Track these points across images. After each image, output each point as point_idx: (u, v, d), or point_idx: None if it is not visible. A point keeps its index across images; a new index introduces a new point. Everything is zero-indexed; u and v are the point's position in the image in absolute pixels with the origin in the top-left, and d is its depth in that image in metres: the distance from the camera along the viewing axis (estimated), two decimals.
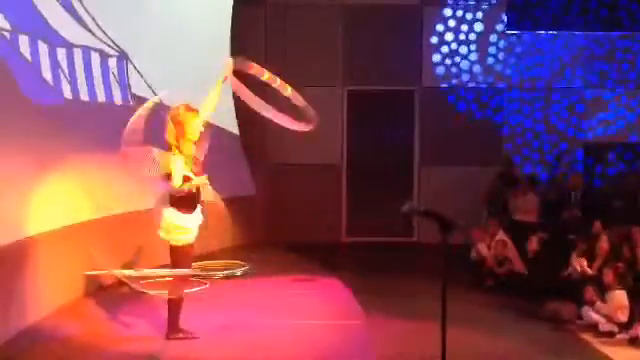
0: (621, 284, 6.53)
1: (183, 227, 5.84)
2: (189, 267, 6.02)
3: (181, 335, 5.97)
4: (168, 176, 5.80)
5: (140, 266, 8.11)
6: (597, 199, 9.65)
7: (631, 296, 6.48)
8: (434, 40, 11.25)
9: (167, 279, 6.25)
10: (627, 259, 7.12)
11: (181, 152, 5.81)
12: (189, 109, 5.89)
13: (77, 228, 7.16)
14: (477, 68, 11.28)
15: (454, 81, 11.27)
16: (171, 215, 5.82)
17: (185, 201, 5.82)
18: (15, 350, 5.73)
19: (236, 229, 10.42)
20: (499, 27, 11.28)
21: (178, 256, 5.89)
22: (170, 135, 5.83)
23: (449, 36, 11.26)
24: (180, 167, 5.75)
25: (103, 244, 7.51)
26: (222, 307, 7.12)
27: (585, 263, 7.40)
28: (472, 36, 11.26)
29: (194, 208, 5.91)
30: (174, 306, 5.96)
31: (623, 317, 6.39)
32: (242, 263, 8.81)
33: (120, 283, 7.78)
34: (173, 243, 5.87)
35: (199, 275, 7.72)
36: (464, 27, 11.26)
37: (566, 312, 6.84)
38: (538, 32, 11.28)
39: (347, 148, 11.44)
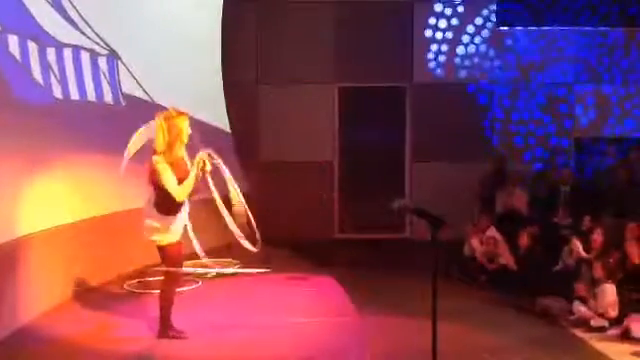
0: (610, 278, 6.56)
1: (168, 227, 5.83)
2: (178, 266, 6.01)
3: (173, 334, 5.97)
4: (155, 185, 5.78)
5: (134, 265, 8.13)
6: (587, 192, 9.69)
7: (620, 291, 6.52)
8: (425, 36, 11.26)
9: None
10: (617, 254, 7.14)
11: (170, 157, 5.76)
12: (180, 113, 5.86)
13: (69, 228, 7.15)
14: (468, 64, 11.31)
15: (445, 77, 11.29)
16: (155, 216, 5.81)
17: (169, 204, 5.80)
18: (7, 351, 5.72)
19: (229, 227, 10.40)
20: (490, 23, 11.30)
21: (165, 255, 5.89)
22: (163, 141, 5.74)
23: (440, 32, 11.27)
24: (173, 179, 5.71)
25: (96, 243, 7.53)
26: (214, 306, 7.12)
27: (581, 246, 7.44)
28: (463, 32, 11.28)
29: (177, 210, 5.89)
30: (165, 305, 5.96)
31: (613, 312, 6.42)
32: (234, 261, 8.80)
33: (112, 283, 7.80)
34: (159, 243, 5.87)
35: (191, 274, 7.71)
36: (455, 23, 11.28)
37: (557, 308, 6.87)
38: (528, 28, 11.31)
39: (339, 145, 11.45)
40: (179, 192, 5.73)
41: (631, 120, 11.35)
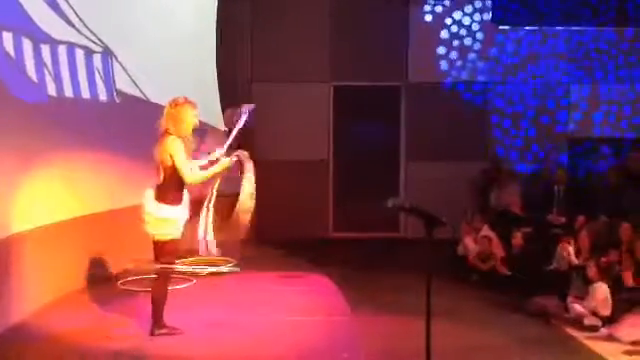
0: (604, 278, 6.58)
1: (169, 220, 5.80)
2: (172, 262, 6.00)
3: (165, 331, 5.96)
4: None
5: (126, 264, 8.11)
6: (582, 191, 9.73)
7: (614, 291, 6.54)
8: (420, 35, 11.26)
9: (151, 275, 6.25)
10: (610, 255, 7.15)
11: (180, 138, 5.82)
12: (188, 101, 5.92)
13: (63, 225, 7.13)
14: (463, 63, 11.32)
15: (440, 76, 11.30)
16: (157, 208, 5.80)
17: (172, 193, 5.81)
18: (1, 348, 5.70)
19: (223, 225, 10.38)
20: (485, 22, 11.32)
21: (162, 252, 5.87)
22: (173, 127, 5.82)
23: (435, 31, 11.28)
24: (185, 159, 5.74)
25: (89, 241, 7.52)
26: (209, 304, 7.11)
27: (572, 251, 7.46)
28: (458, 31, 11.29)
29: (180, 201, 5.89)
30: (158, 302, 5.95)
31: (606, 311, 6.44)
32: (229, 259, 8.79)
33: (106, 281, 7.79)
34: (158, 238, 5.84)
35: (185, 271, 7.70)
36: (450, 22, 11.30)
37: (552, 306, 6.88)
38: (524, 27, 11.33)
39: (334, 144, 11.45)
40: (192, 176, 5.76)
41: (625, 120, 11.38)
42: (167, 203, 5.79)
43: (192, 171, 5.83)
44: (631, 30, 11.26)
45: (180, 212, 5.89)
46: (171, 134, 5.78)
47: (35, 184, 6.79)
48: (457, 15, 11.29)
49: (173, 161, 5.72)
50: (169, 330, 5.97)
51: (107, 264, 7.93)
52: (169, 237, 5.84)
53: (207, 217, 6.09)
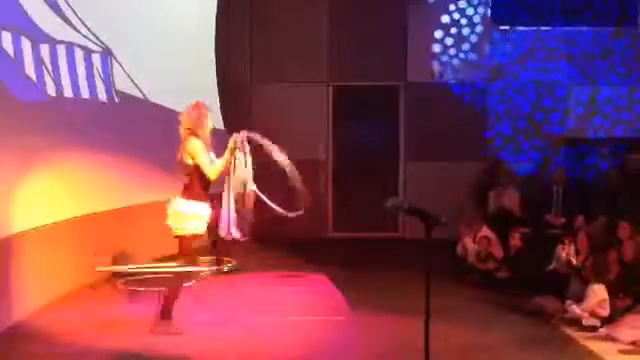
0: (599, 278, 6.59)
1: (187, 215, 5.86)
2: (191, 259, 6.05)
3: (166, 330, 5.96)
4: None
5: (124, 262, 8.12)
6: (581, 192, 9.74)
7: (613, 291, 6.54)
8: (419, 35, 11.27)
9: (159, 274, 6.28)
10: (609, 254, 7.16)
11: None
12: (205, 105, 6.06)
13: (62, 225, 7.14)
14: (462, 63, 11.33)
15: (439, 76, 11.31)
16: (178, 203, 5.87)
17: (196, 191, 5.87)
18: (1, 348, 5.71)
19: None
20: (485, 22, 11.33)
21: (186, 246, 5.94)
22: (190, 126, 5.93)
23: (434, 31, 11.29)
24: (207, 158, 5.84)
25: (88, 241, 7.52)
26: (209, 304, 7.11)
27: (571, 251, 7.47)
28: (457, 31, 11.30)
29: (206, 198, 5.95)
30: (168, 300, 5.98)
31: (603, 312, 6.45)
32: (228, 259, 8.79)
33: (106, 280, 7.80)
34: (179, 232, 5.89)
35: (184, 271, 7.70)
36: (449, 22, 11.31)
37: (551, 306, 6.89)
38: (523, 27, 11.34)
39: (333, 144, 11.46)
40: (212, 170, 5.85)
41: (623, 120, 11.39)
42: (189, 199, 5.87)
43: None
44: (630, 31, 11.27)
45: (201, 209, 5.94)
46: (192, 135, 5.89)
47: (35, 184, 6.80)
48: (456, 14, 11.30)
49: (194, 160, 5.84)
50: (169, 329, 5.98)
51: (107, 264, 7.93)
52: (186, 232, 5.91)
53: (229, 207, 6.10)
